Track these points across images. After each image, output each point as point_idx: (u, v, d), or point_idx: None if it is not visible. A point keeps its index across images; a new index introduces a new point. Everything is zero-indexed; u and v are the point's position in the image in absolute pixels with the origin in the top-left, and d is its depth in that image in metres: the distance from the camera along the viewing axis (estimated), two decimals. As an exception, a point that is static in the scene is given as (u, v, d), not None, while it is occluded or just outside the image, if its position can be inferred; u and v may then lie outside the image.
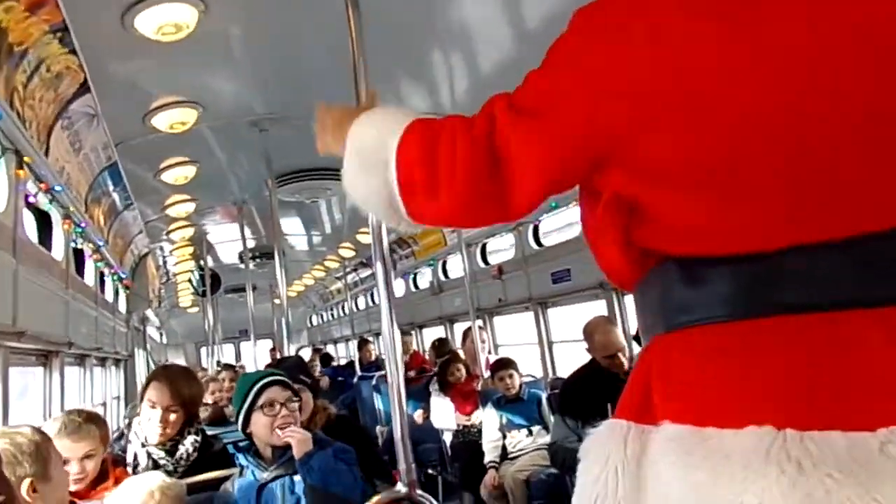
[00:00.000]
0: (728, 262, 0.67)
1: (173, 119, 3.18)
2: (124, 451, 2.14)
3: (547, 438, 3.37)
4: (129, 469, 2.04)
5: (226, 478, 1.94)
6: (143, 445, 2.05)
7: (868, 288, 0.62)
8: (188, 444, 2.07)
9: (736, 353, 0.65)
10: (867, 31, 0.62)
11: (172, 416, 2.05)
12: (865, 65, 0.62)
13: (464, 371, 4.46)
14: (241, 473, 1.86)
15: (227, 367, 5.52)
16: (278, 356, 5.09)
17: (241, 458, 1.87)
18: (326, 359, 8.73)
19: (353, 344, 7.94)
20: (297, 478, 1.78)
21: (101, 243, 4.71)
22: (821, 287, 0.63)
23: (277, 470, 1.80)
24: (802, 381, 0.60)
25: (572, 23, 0.74)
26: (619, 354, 2.85)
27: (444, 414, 4.38)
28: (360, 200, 0.93)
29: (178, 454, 2.05)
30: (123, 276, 6.10)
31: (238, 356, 13.63)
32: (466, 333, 5.14)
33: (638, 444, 0.69)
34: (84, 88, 2.74)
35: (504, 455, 3.67)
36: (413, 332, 7.64)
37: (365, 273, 9.49)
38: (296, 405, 1.91)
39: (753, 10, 0.65)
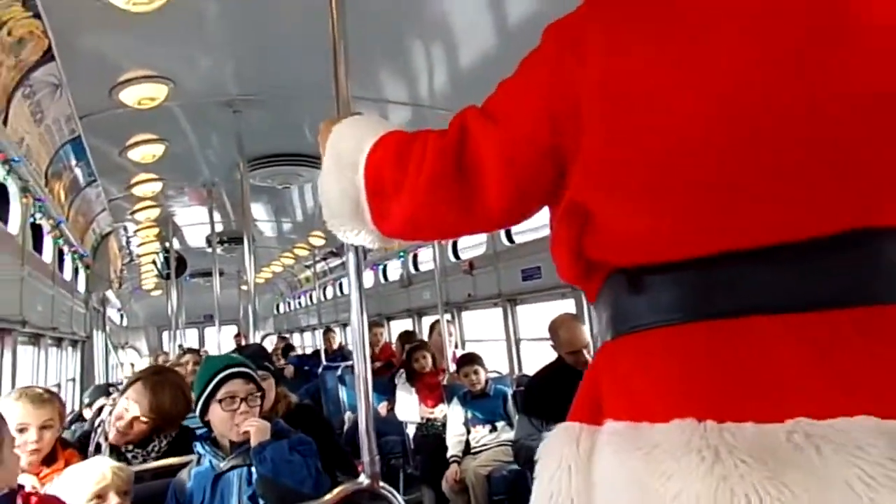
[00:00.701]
0: (665, 270, 0.72)
1: (142, 94, 3.08)
2: (86, 436, 2.07)
3: (510, 434, 3.38)
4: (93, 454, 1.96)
5: (183, 464, 1.89)
6: (107, 438, 1.98)
7: (784, 295, 0.67)
8: (162, 437, 2.02)
9: (667, 355, 0.71)
10: (796, 50, 0.67)
11: (139, 426, 1.97)
12: (789, 87, 0.67)
13: (430, 360, 4.45)
14: (198, 462, 1.80)
15: (191, 351, 5.40)
16: (243, 342, 5.01)
17: (198, 447, 1.82)
18: (288, 349, 8.61)
19: (320, 333, 7.86)
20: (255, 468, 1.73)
21: (60, 220, 4.55)
22: (742, 294, 0.68)
23: (235, 460, 1.75)
24: (722, 380, 0.66)
25: (541, 36, 0.80)
26: (584, 351, 2.87)
27: (408, 406, 4.37)
28: (330, 203, 0.95)
29: (150, 446, 1.99)
30: (84, 254, 5.92)
31: (202, 341, 13.40)
32: (433, 326, 5.13)
33: (589, 443, 0.73)
34: (48, 56, 2.63)
35: (467, 450, 3.68)
36: (384, 324, 7.61)
37: (334, 262, 9.41)
38: (258, 400, 1.84)
39: (693, 30, 0.70)
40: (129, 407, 1.97)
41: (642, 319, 0.74)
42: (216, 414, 1.80)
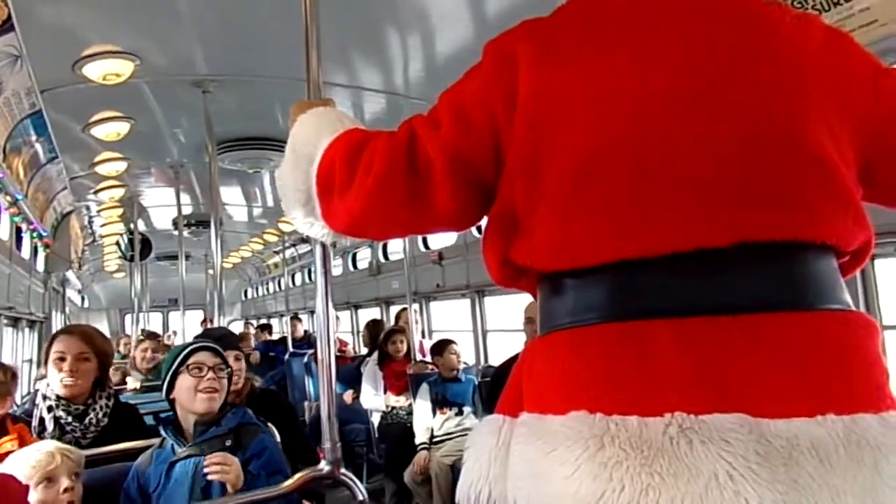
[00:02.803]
0: (580, 275, 0.78)
1: (107, 69, 2.99)
2: (30, 415, 2.02)
3: (475, 422, 3.41)
4: (35, 435, 1.92)
5: (138, 450, 1.85)
6: (51, 409, 1.93)
7: (679, 301, 0.73)
8: (98, 409, 1.97)
9: (572, 353, 0.77)
10: (707, 80, 0.75)
11: (84, 366, 1.94)
12: (696, 113, 0.74)
13: (405, 347, 4.44)
14: (161, 444, 1.77)
15: (151, 336, 5.28)
16: (208, 327, 4.93)
17: (162, 430, 1.78)
18: (265, 328, 8.45)
19: (287, 320, 7.79)
20: None
21: (19, 196, 4.40)
22: (643, 299, 0.74)
23: (192, 448, 1.71)
24: (614, 377, 0.72)
25: (482, 52, 0.86)
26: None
27: (373, 395, 4.36)
28: (285, 193, 0.98)
29: (87, 419, 1.94)
30: (43, 233, 5.74)
31: (166, 326, 13.15)
32: (399, 315, 5.12)
33: (508, 434, 0.79)
34: (8, 25, 2.53)
35: (430, 439, 3.69)
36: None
37: (303, 249, 9.31)
38: (225, 375, 1.82)
39: (613, 54, 0.78)
40: (66, 349, 1.95)
41: (561, 320, 0.80)
42: (183, 385, 1.77)
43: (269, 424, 1.99)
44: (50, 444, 1.61)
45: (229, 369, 1.88)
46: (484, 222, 0.91)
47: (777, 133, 0.75)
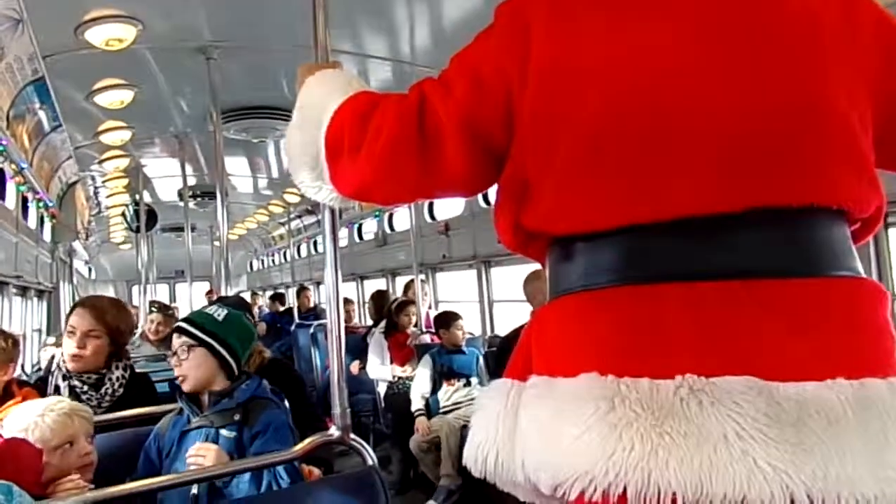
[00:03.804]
0: (592, 238, 0.78)
1: (109, 35, 2.94)
2: (44, 381, 2.04)
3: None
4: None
5: (149, 416, 1.86)
6: (65, 378, 1.95)
7: (690, 265, 0.73)
8: (115, 379, 1.98)
9: (583, 316, 0.77)
10: (726, 47, 0.74)
11: (93, 343, 1.94)
12: (712, 79, 0.74)
13: (413, 319, 4.45)
14: (180, 411, 1.76)
15: (161, 308, 5.27)
16: (214, 299, 4.94)
17: (178, 399, 1.77)
18: (277, 298, 8.43)
19: (293, 291, 7.81)
20: (224, 432, 1.66)
21: (24, 165, 4.38)
22: (655, 262, 0.74)
23: (203, 419, 1.69)
24: (626, 339, 0.72)
25: (493, 14, 0.85)
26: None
27: (379, 365, 4.40)
28: (291, 156, 0.97)
29: (103, 388, 1.96)
30: (49, 203, 5.73)
31: (172, 297, 13.24)
32: (408, 286, 5.13)
33: (516, 397, 0.79)
34: (8, -11, 2.49)
35: (437, 409, 3.72)
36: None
37: (309, 220, 9.31)
38: (188, 356, 1.70)
39: (628, 18, 0.77)
40: (76, 324, 1.95)
41: (571, 284, 0.80)
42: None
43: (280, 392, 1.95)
44: (63, 404, 1.61)
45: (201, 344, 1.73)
46: (494, 189, 0.90)
47: (793, 96, 0.74)
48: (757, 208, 0.72)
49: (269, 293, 10.38)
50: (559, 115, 0.78)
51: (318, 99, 0.95)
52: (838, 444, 0.64)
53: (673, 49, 0.75)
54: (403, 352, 4.31)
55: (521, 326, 3.11)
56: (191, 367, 1.70)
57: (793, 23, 0.76)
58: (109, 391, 1.96)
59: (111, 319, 1.98)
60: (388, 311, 4.58)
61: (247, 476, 1.55)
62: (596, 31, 0.77)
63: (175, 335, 1.75)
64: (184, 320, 1.81)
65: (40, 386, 2.01)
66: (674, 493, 0.64)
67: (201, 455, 1.57)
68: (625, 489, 0.66)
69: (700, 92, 0.74)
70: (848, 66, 0.77)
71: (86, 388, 1.94)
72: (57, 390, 1.94)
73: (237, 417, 1.68)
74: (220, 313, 1.80)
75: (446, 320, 3.91)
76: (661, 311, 0.72)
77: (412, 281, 5.02)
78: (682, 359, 0.69)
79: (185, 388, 1.71)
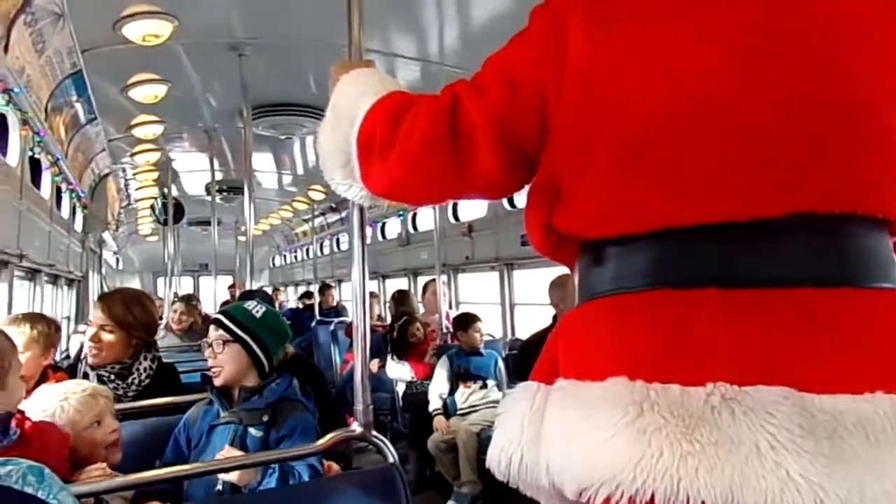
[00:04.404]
0: (625, 242, 0.76)
1: (146, 30, 3.00)
2: (73, 368, 2.09)
3: (499, 396, 3.41)
4: None
5: (173, 405, 1.89)
6: (93, 368, 1.99)
7: (726, 271, 0.72)
8: (142, 369, 2.01)
9: (613, 319, 0.76)
10: (764, 50, 0.73)
11: (105, 337, 1.97)
12: (751, 82, 0.72)
13: (422, 330, 4.42)
14: (210, 401, 1.76)
15: (184, 299, 5.34)
16: (237, 293, 5.00)
17: (209, 392, 1.76)
18: (306, 296, 8.40)
19: (314, 288, 7.87)
20: (252, 430, 1.65)
21: (59, 156, 4.50)
22: (689, 267, 0.73)
23: (232, 415, 1.68)
24: (657, 344, 0.71)
25: (529, 17, 0.85)
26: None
27: (398, 365, 4.39)
28: (323, 153, 0.97)
29: (129, 378, 1.99)
30: (82, 194, 5.87)
31: (196, 290, 13.44)
32: (427, 286, 5.13)
33: (542, 400, 0.78)
34: (50, -17, 2.55)
35: (454, 410, 3.72)
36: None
37: (332, 218, 9.38)
38: (223, 349, 1.71)
39: (667, 20, 0.76)
40: (92, 319, 2.01)
41: (602, 287, 0.79)
42: None
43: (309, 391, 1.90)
44: (84, 385, 1.64)
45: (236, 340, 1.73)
46: (524, 192, 0.89)
47: (835, 100, 0.72)
48: (799, 214, 0.70)
49: (295, 290, 10.45)
50: (596, 119, 0.77)
51: (352, 98, 0.95)
52: (876, 459, 0.63)
53: (711, 50, 0.74)
54: (423, 365, 4.23)
55: (544, 330, 3.10)
56: (225, 360, 1.71)
57: (831, 19, 0.74)
58: (136, 381, 2.00)
59: (121, 313, 2.00)
60: (390, 334, 4.47)
61: (273, 479, 1.55)
62: (634, 36, 0.77)
63: (212, 327, 1.76)
64: (222, 313, 1.81)
65: (70, 373, 2.05)
66: (702, 502, 0.63)
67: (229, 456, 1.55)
68: (652, 496, 0.64)
69: (741, 97, 0.72)
70: (889, 61, 0.75)
71: (112, 376, 1.98)
72: (86, 377, 1.98)
73: (265, 418, 1.67)
74: (258, 310, 1.79)
75: (465, 322, 3.90)
76: (694, 316, 0.70)
77: (432, 280, 5.01)
78: (715, 366, 0.67)
79: (218, 382, 1.71)
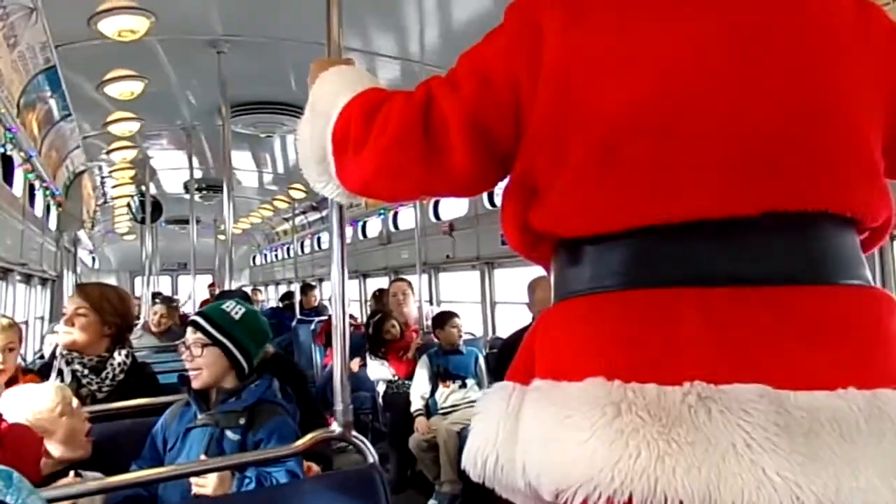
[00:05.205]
0: (601, 241, 0.76)
1: (122, 26, 2.95)
2: (48, 367, 2.06)
3: (479, 394, 3.41)
4: None
5: (149, 407, 1.86)
6: (67, 363, 1.96)
7: (702, 269, 0.72)
8: (116, 365, 1.99)
9: (590, 319, 0.76)
10: (741, 48, 0.73)
11: (80, 321, 1.96)
12: (727, 80, 0.73)
13: (398, 327, 4.38)
14: (187, 403, 1.72)
15: (164, 300, 5.24)
16: (216, 292, 4.95)
17: (187, 393, 1.72)
18: (287, 297, 8.24)
19: (295, 287, 7.82)
20: (229, 433, 1.62)
21: (32, 153, 4.40)
22: (665, 266, 0.73)
23: (208, 418, 1.65)
24: (633, 344, 0.71)
25: (504, 14, 0.84)
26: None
27: (378, 364, 4.37)
28: (301, 150, 0.97)
29: (103, 373, 1.97)
30: (56, 192, 5.75)
31: (174, 289, 13.27)
32: (391, 287, 4.84)
33: (518, 401, 0.77)
34: (22, -23, 2.50)
35: (435, 410, 3.72)
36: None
37: (313, 217, 9.32)
38: (202, 352, 1.68)
39: (643, 18, 0.76)
40: (68, 304, 2.04)
41: (578, 286, 0.79)
42: None
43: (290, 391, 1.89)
44: (47, 386, 1.66)
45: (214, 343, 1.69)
46: (499, 190, 0.89)
47: (809, 102, 0.74)
48: (773, 212, 0.71)
49: (276, 289, 10.37)
50: (572, 116, 0.77)
51: (329, 94, 0.94)
52: (851, 455, 0.63)
53: (689, 50, 0.74)
54: (404, 363, 4.18)
55: (523, 329, 3.10)
56: (203, 363, 1.67)
57: (810, 27, 0.76)
58: (110, 376, 1.98)
59: (97, 298, 2.01)
60: (365, 332, 4.41)
61: (252, 485, 1.53)
62: (610, 32, 0.77)
63: (190, 329, 1.72)
64: (200, 315, 1.76)
65: (44, 371, 2.03)
66: (680, 502, 0.63)
67: (201, 485, 1.51)
68: (630, 497, 0.65)
69: (716, 94, 0.73)
70: (864, 73, 0.77)
71: (86, 371, 1.95)
72: (60, 375, 1.96)
73: (242, 421, 1.64)
74: (237, 311, 1.75)
75: (442, 320, 3.89)
76: (671, 315, 0.70)
77: (398, 280, 4.91)
78: (691, 365, 0.68)
79: (196, 384, 1.68)
